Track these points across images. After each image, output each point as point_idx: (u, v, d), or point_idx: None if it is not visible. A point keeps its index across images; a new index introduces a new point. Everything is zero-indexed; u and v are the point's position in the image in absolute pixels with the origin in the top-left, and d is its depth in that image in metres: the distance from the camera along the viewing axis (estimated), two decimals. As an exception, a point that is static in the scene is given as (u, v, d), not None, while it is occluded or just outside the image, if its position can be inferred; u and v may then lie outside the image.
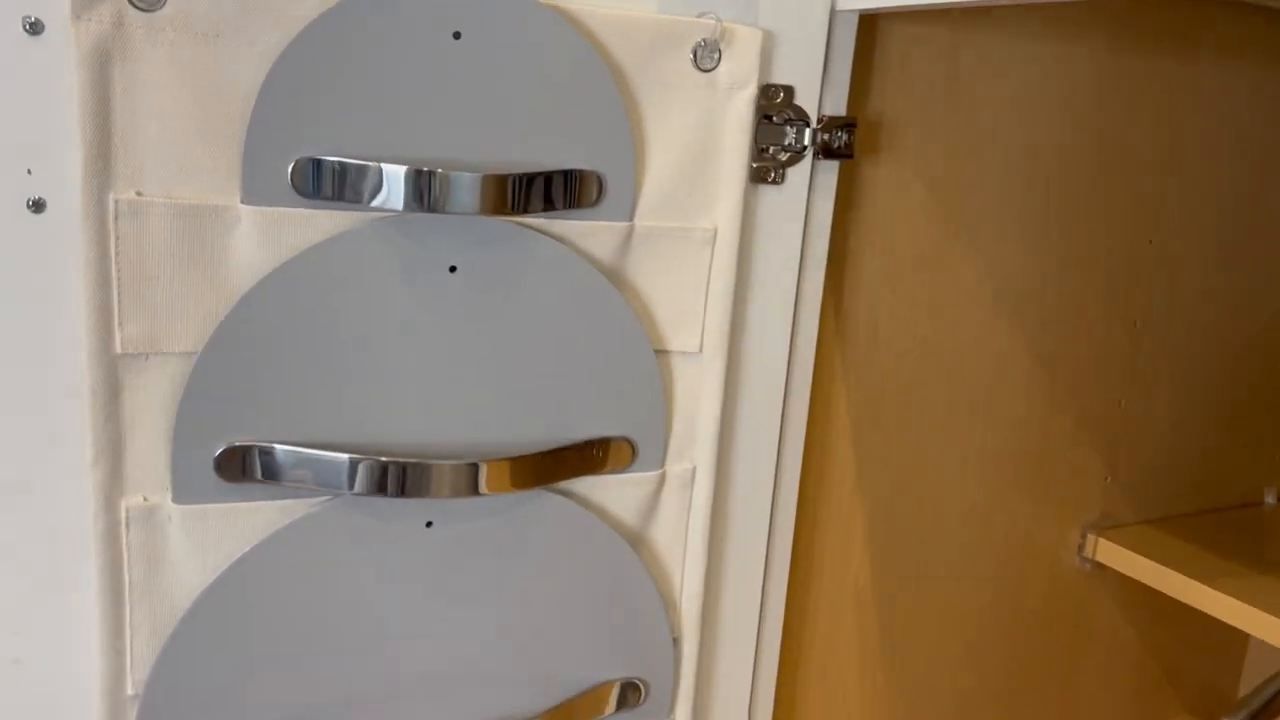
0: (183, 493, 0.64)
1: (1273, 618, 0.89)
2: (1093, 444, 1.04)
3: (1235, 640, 1.23)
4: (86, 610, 0.64)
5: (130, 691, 0.65)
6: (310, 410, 0.66)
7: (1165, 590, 1.00)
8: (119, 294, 0.61)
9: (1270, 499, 1.19)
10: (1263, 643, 1.23)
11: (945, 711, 1.04)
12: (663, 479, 0.76)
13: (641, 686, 0.79)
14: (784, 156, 0.76)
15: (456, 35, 0.64)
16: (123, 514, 0.63)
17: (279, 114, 0.62)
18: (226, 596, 0.65)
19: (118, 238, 0.60)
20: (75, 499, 0.63)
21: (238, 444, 0.64)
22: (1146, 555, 1.02)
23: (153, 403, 0.63)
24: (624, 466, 0.74)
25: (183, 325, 0.63)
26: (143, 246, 0.61)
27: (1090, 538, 1.07)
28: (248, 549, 0.65)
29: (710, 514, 0.78)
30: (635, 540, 0.77)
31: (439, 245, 0.66)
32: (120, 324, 0.61)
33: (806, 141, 0.76)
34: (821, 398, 0.87)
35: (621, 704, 0.79)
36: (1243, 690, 1.24)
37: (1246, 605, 0.92)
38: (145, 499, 0.64)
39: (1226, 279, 1.08)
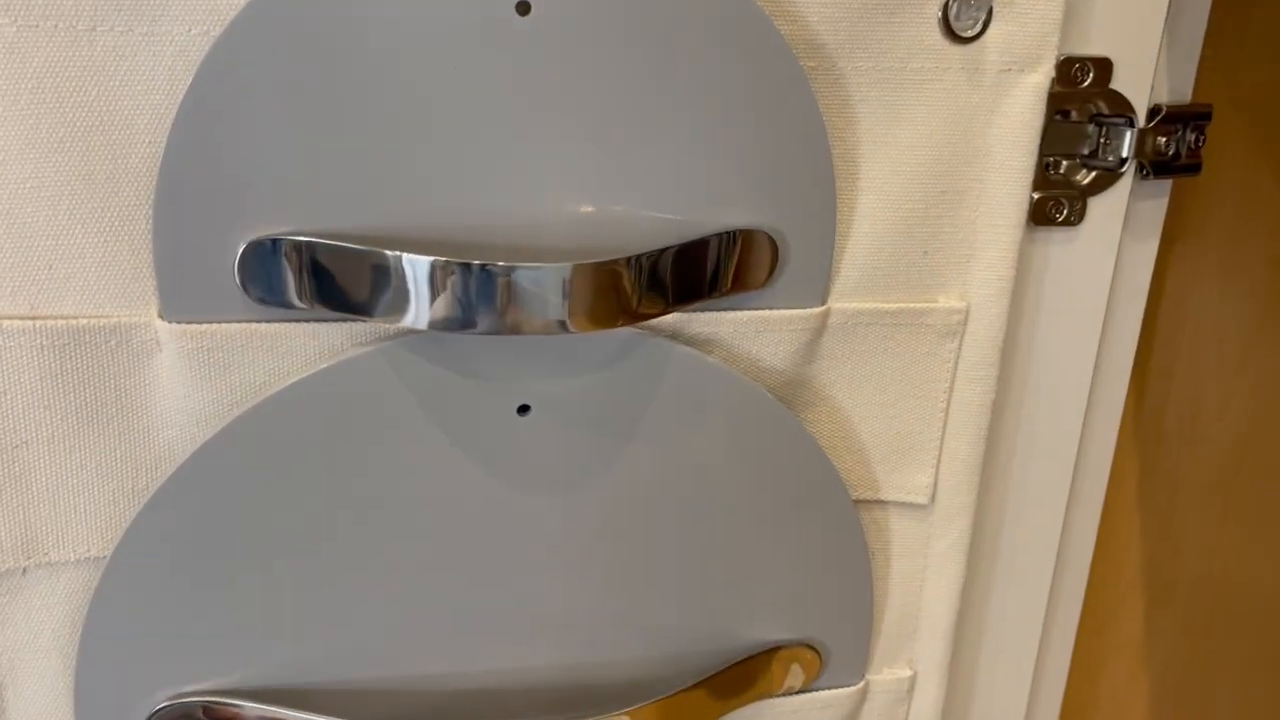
0: (101, 772, 0.40)
1: None
2: None
3: None
4: None
5: None
6: (293, 641, 0.40)
7: None
8: (-38, 480, 0.36)
9: None
10: None
11: None
12: (864, 695, 0.48)
13: None
14: (1085, 178, 0.45)
15: (523, 9, 0.35)
16: (9, 807, 0.40)
17: (210, 165, 0.35)
18: None
19: (-52, 390, 0.35)
20: (-62, 779, 0.40)
21: (181, 699, 0.40)
22: None
23: (40, 638, 0.39)
24: (805, 684, 0.47)
25: (79, 518, 0.38)
26: (-4, 400, 0.36)
27: None
28: None
29: (936, 740, 0.50)
30: (818, 786, 0.50)
31: (499, 374, 0.39)
32: (-29, 526, 0.37)
33: (1126, 151, 0.45)
34: (1106, 544, 0.57)
35: None
36: None
37: None
38: (44, 780, 0.40)
39: None
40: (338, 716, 0.40)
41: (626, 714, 0.43)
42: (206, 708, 0.40)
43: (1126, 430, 0.57)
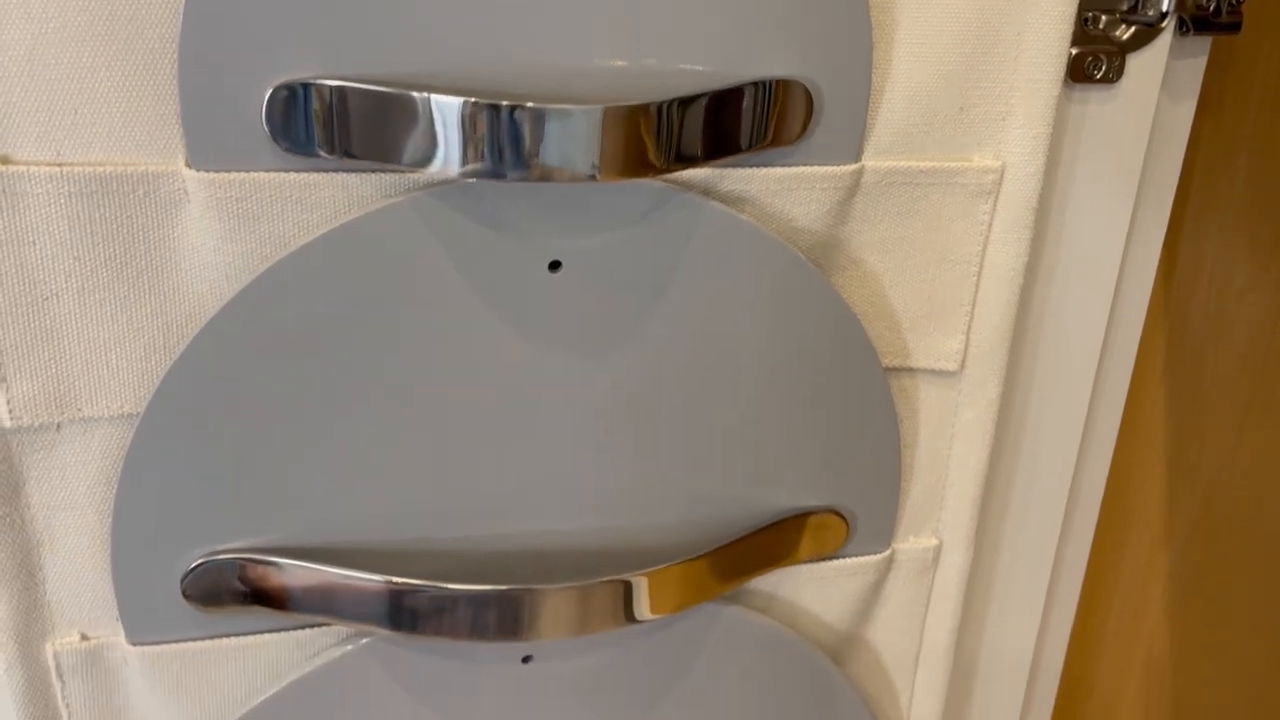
0: (140, 629, 0.40)
1: None
2: None
3: None
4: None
5: None
6: (327, 499, 0.40)
7: None
8: (-7, 332, 0.36)
9: None
10: None
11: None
12: (889, 563, 0.49)
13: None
14: (1125, 34, 0.44)
15: None
16: (51, 661, 0.40)
17: (235, 5, 0.34)
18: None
19: (-23, 239, 0.35)
20: (-20, 636, 0.41)
21: (217, 556, 0.40)
22: None
23: (75, 495, 0.39)
24: (832, 551, 0.47)
25: (111, 373, 0.38)
26: (23, 248, 0.35)
27: None
28: (253, 705, 0.42)
29: (960, 608, 0.50)
30: (842, 652, 0.50)
31: (530, 228, 0.38)
32: (3, 380, 0.36)
33: (1167, 5, 0.44)
34: (1131, 422, 0.57)
35: None
36: None
37: None
38: (85, 637, 0.41)
39: None
40: (369, 572, 0.40)
41: (645, 575, 0.43)
42: (242, 564, 0.40)
43: (1156, 305, 0.56)
